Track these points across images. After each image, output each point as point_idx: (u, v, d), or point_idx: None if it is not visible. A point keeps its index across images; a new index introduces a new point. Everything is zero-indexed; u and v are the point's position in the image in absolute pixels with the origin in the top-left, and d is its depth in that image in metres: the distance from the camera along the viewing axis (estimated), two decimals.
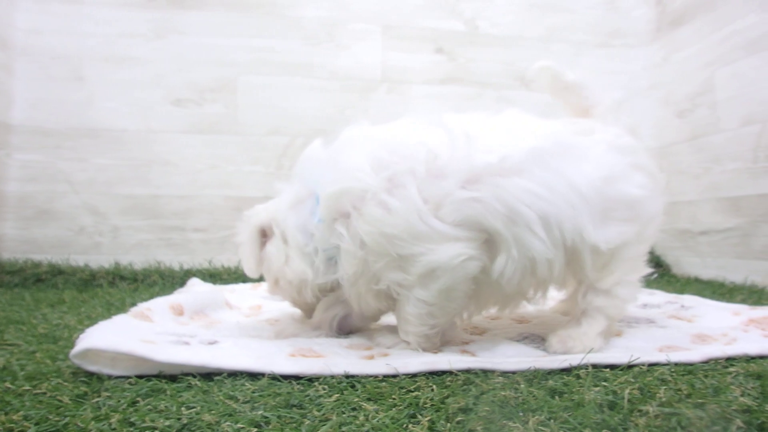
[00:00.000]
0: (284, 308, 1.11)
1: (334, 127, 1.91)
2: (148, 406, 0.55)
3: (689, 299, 1.17)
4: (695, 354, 0.71)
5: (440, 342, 0.79)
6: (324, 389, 0.61)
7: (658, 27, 1.99)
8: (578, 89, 0.90)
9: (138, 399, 0.58)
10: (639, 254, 0.84)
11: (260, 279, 1.49)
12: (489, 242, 0.74)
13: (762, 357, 0.72)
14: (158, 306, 0.90)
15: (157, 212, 1.68)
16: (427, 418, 0.52)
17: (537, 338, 0.84)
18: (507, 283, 0.74)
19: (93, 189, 1.66)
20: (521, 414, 0.52)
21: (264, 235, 0.85)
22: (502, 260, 0.73)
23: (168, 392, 0.60)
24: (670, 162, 1.88)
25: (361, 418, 0.52)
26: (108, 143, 1.66)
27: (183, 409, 0.55)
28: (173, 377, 0.65)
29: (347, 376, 0.65)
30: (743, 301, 1.19)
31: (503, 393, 0.58)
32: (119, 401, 0.57)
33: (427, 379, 0.64)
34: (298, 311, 0.94)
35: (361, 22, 1.84)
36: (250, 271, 0.86)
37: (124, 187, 1.67)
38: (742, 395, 0.56)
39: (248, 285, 1.34)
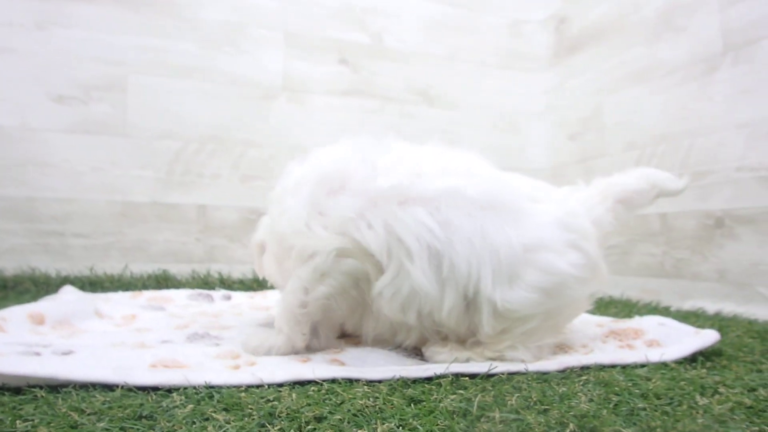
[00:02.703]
0: (160, 318, 1.06)
1: (230, 135, 1.85)
2: None
3: None
4: (553, 363, 0.75)
5: (313, 347, 0.82)
6: (181, 400, 0.58)
7: (556, 53, 2.11)
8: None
9: None
10: (545, 327, 0.79)
11: (142, 288, 1.42)
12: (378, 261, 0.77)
13: (613, 366, 0.76)
14: (15, 315, 0.83)
15: (33, 216, 1.56)
16: (277, 427, 0.51)
17: (410, 347, 0.84)
18: (387, 305, 0.77)
19: None
20: (373, 422, 0.52)
21: (262, 247, 0.95)
22: (384, 280, 0.76)
23: (7, 405, 0.56)
24: (560, 182, 1.98)
25: (210, 428, 0.51)
26: None
27: (18, 422, 0.51)
28: (18, 389, 0.61)
29: (209, 387, 0.63)
30: (617, 314, 1.26)
31: (361, 401, 0.58)
32: None
33: (291, 388, 0.64)
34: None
35: (264, 27, 1.81)
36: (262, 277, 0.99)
37: None
38: (586, 401, 0.59)
39: (128, 294, 1.26)
